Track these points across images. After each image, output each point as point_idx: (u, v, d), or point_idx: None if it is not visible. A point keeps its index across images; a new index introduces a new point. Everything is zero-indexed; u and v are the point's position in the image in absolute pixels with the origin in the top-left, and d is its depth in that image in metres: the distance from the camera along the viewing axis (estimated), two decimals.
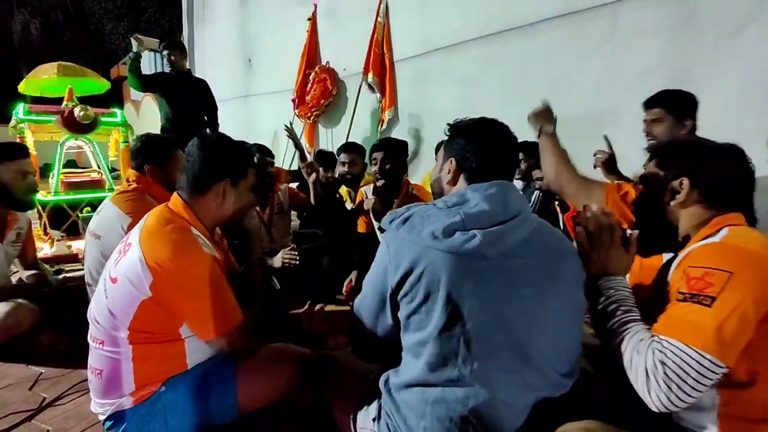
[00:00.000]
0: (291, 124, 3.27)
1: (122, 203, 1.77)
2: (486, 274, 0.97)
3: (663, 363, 0.84)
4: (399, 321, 1.06)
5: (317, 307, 2.54)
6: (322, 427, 1.31)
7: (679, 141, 1.13)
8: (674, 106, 1.99)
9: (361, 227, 2.83)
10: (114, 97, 7.95)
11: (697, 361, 0.82)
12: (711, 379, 0.83)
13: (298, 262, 2.31)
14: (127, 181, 1.88)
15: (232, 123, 6.62)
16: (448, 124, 1.19)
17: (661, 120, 2.01)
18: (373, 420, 1.14)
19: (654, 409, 0.86)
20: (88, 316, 1.31)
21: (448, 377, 0.98)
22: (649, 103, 2.06)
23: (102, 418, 1.27)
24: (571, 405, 1.02)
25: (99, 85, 4.55)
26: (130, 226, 1.67)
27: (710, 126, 2.20)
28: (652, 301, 1.05)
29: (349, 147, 3.09)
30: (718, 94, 2.47)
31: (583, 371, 1.24)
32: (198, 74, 7.35)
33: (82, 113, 3.49)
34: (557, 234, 1.11)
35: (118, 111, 4.14)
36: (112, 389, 1.24)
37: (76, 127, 3.57)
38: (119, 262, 1.24)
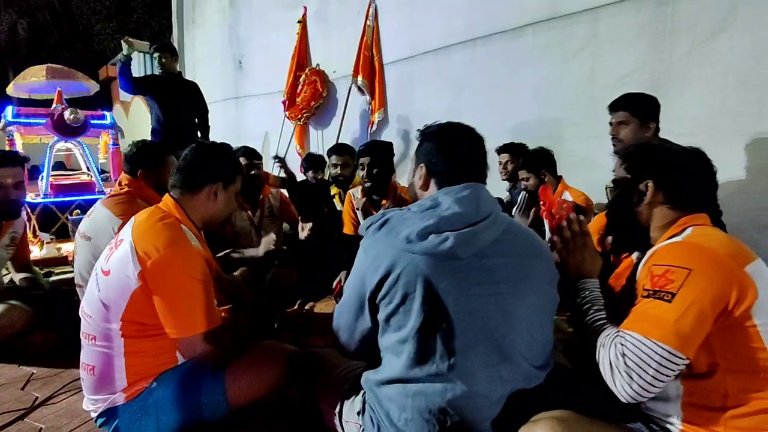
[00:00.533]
0: (278, 157, 3.33)
1: (113, 206, 1.81)
2: (460, 274, 1.02)
3: (624, 354, 0.90)
4: (377, 323, 1.11)
5: (307, 306, 2.58)
6: (310, 423, 1.35)
7: (644, 145, 1.19)
8: (638, 109, 2.05)
9: (348, 229, 2.87)
10: (103, 99, 7.91)
11: (656, 352, 0.87)
12: (672, 370, 0.88)
13: (277, 248, 2.36)
14: (119, 184, 1.91)
15: (222, 125, 6.62)
16: (418, 130, 1.24)
17: (627, 123, 2.06)
18: (358, 413, 1.19)
19: (622, 399, 0.92)
20: (80, 313, 1.35)
21: (428, 373, 1.03)
22: (614, 106, 2.11)
23: (94, 415, 1.31)
24: (545, 396, 1.07)
25: (88, 86, 4.54)
26: (121, 228, 1.71)
27: (687, 129, 2.30)
28: (625, 299, 1.11)
29: (339, 149, 3.14)
30: (694, 97, 2.56)
31: (561, 365, 1.31)
32: (188, 76, 7.34)
33: (71, 116, 3.50)
34: (528, 233, 1.17)
35: (107, 113, 4.15)
36: (104, 385, 1.28)
37: (66, 130, 3.58)
38: (111, 256, 1.29)
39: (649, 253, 1.04)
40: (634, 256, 1.29)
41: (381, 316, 1.09)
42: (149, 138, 4.20)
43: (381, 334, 1.12)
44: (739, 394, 0.89)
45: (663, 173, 1.10)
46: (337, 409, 1.25)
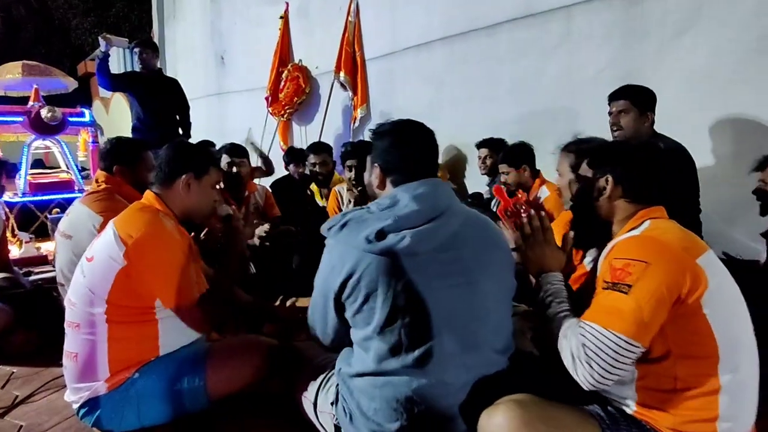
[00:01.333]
0: (253, 143, 3.33)
1: (92, 203, 1.81)
2: (420, 270, 1.07)
3: (584, 345, 0.95)
4: (346, 320, 1.16)
5: (289, 301, 2.61)
6: (289, 415, 1.39)
7: (604, 142, 1.25)
8: (638, 99, 2.15)
9: None
10: (82, 95, 7.77)
11: (615, 342, 0.92)
12: (629, 358, 0.93)
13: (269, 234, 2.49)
14: (96, 182, 1.91)
15: (205, 121, 6.56)
16: (370, 130, 1.27)
17: (627, 111, 2.16)
18: (332, 404, 1.23)
19: (584, 387, 0.97)
20: (65, 303, 1.40)
21: (394, 366, 1.08)
22: (615, 96, 2.21)
23: (76, 406, 1.33)
24: (509, 381, 1.13)
25: (65, 84, 4.48)
26: (101, 225, 1.72)
27: (658, 123, 2.37)
28: (587, 292, 1.16)
29: (317, 147, 3.17)
30: (664, 93, 2.62)
31: (527, 353, 1.37)
32: (169, 72, 7.26)
33: (49, 114, 3.45)
34: (485, 223, 1.21)
35: (86, 110, 4.10)
36: (87, 373, 1.31)
37: (43, 128, 3.53)
38: (95, 244, 1.37)
39: (609, 246, 1.09)
40: (586, 262, 1.35)
41: (348, 314, 1.14)
42: (130, 135, 4.18)
43: (352, 330, 1.16)
44: (689, 377, 0.95)
45: (621, 168, 1.14)
46: (313, 400, 1.30)
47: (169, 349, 1.39)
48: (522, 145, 2.78)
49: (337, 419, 1.21)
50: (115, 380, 1.31)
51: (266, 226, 2.62)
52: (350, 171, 2.71)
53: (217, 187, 1.59)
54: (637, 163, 1.15)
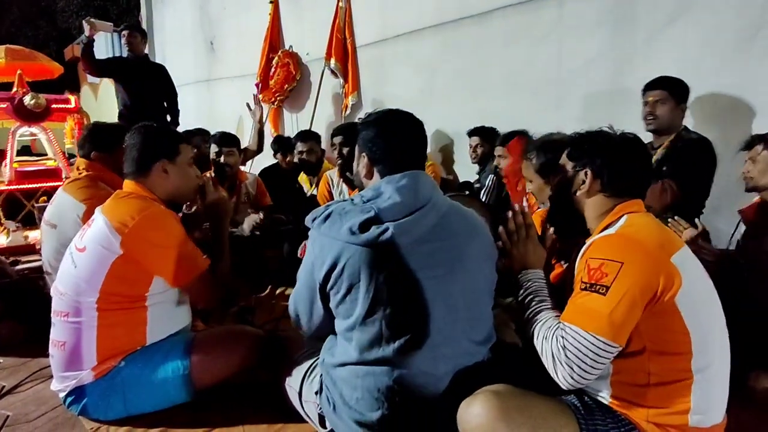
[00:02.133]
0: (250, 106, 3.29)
1: (75, 191, 1.79)
2: (401, 262, 1.08)
3: (564, 347, 0.97)
4: (331, 311, 1.17)
5: (278, 290, 2.63)
6: (276, 403, 1.40)
7: (584, 134, 1.23)
8: (676, 90, 2.18)
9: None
10: (70, 80, 7.62)
11: (593, 344, 0.94)
12: (607, 358, 0.95)
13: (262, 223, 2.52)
14: (77, 169, 1.89)
15: (194, 108, 6.49)
16: (359, 119, 1.27)
17: (664, 101, 2.19)
18: (316, 393, 1.25)
19: (563, 387, 0.99)
20: (52, 292, 1.40)
21: (375, 357, 1.09)
22: (652, 85, 2.23)
23: (62, 395, 1.35)
24: (489, 372, 1.15)
25: (50, 70, 4.39)
26: (86, 214, 1.72)
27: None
28: (567, 287, 1.16)
29: (304, 135, 3.15)
30: None
31: (509, 344, 1.39)
32: (158, 57, 7.14)
33: (32, 101, 3.39)
34: (466, 215, 1.22)
35: (71, 96, 4.03)
36: (74, 361, 1.33)
37: (27, 115, 3.47)
38: (85, 234, 1.36)
39: (586, 245, 1.09)
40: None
41: (332, 304, 1.15)
42: (118, 122, 4.13)
43: (336, 320, 1.18)
44: (662, 372, 0.97)
45: (601, 162, 1.13)
46: (298, 390, 1.32)
47: (157, 337, 1.41)
48: (521, 132, 2.71)
49: (321, 408, 1.23)
50: (102, 369, 1.33)
51: (260, 215, 2.63)
52: (334, 148, 2.72)
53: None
54: (617, 156, 1.13)
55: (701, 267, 1.06)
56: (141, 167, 1.46)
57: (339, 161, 2.70)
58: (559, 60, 3.06)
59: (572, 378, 0.96)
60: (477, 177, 3.40)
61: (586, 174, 1.15)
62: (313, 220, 1.16)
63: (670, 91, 2.18)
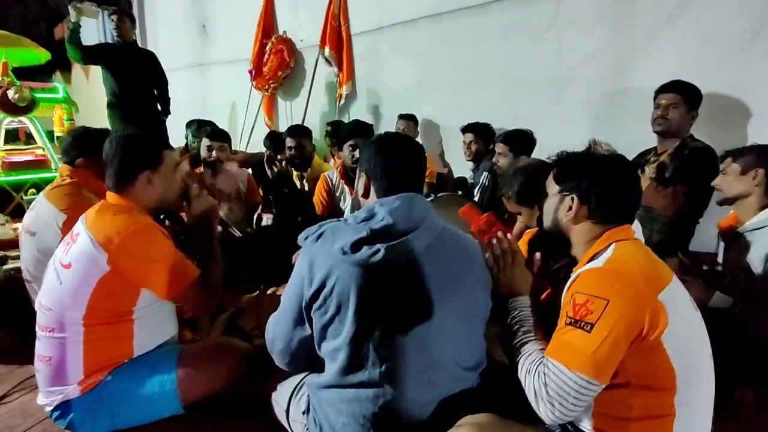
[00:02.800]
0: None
1: (56, 199, 1.75)
2: (391, 284, 1.07)
3: (546, 384, 0.96)
4: (313, 336, 1.15)
5: (269, 291, 2.61)
6: (263, 417, 1.40)
7: (570, 155, 1.18)
8: (689, 95, 2.17)
9: (318, 210, 2.87)
10: (61, 61, 7.40)
11: (576, 382, 0.93)
12: (590, 396, 0.94)
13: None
14: (60, 176, 1.84)
15: (187, 93, 6.37)
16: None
17: (677, 105, 2.17)
18: (303, 413, 1.25)
19: (547, 422, 0.99)
20: (36, 306, 1.38)
21: (360, 380, 1.09)
22: (666, 89, 2.22)
23: (49, 409, 1.34)
24: (476, 398, 1.15)
25: (38, 55, 4.27)
26: (66, 223, 1.69)
27: (646, 113, 2.33)
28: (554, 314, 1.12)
29: (294, 131, 3.09)
30: (653, 81, 2.57)
31: (498, 362, 1.37)
32: (149, 40, 6.98)
33: (16, 95, 3.30)
34: (460, 238, 1.20)
35: (59, 85, 3.93)
36: (60, 377, 1.32)
37: (11, 108, 3.38)
38: (70, 250, 1.33)
39: (572, 276, 1.07)
40: None
41: (317, 326, 1.13)
42: (107, 111, 4.04)
43: (318, 343, 1.16)
44: (644, 406, 0.97)
45: (587, 188, 1.10)
46: (285, 408, 1.31)
47: (144, 349, 1.40)
48: (526, 133, 2.60)
49: (308, 429, 1.23)
50: (88, 383, 1.32)
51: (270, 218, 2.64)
52: (354, 150, 2.67)
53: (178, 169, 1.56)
54: (605, 182, 1.09)
55: (689, 300, 1.04)
56: (124, 179, 1.42)
57: (353, 164, 2.69)
58: (558, 56, 3.00)
59: (554, 414, 0.96)
60: (471, 173, 3.36)
61: (572, 200, 1.12)
62: (306, 238, 1.16)
63: (683, 95, 2.16)
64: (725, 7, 2.33)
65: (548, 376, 0.96)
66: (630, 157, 2.42)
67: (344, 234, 1.10)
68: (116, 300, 1.32)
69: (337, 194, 2.82)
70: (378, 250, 1.05)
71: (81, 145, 1.83)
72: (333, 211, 2.83)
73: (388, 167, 1.18)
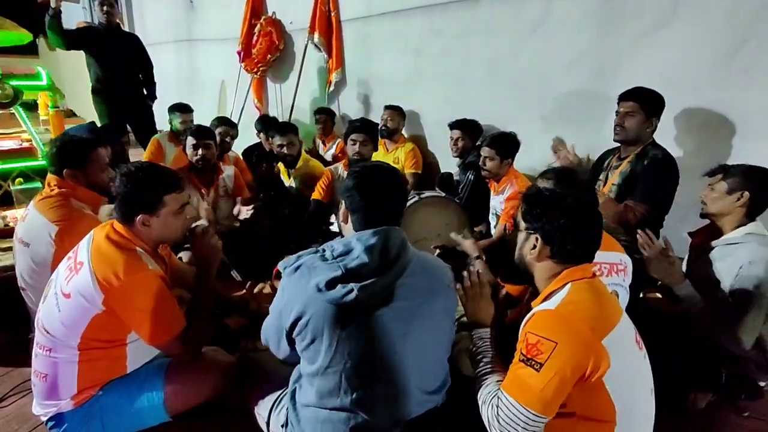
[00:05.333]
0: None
1: (47, 211, 1.77)
2: (362, 321, 1.14)
3: (498, 416, 1.06)
4: (296, 349, 1.24)
5: (257, 288, 2.68)
6: (245, 425, 1.49)
7: (539, 195, 1.24)
8: (648, 103, 2.18)
9: (316, 194, 2.93)
10: (43, 29, 7.16)
11: (524, 415, 1.03)
12: (536, 428, 1.04)
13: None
14: (48, 185, 1.86)
15: (175, 69, 6.27)
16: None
17: (634, 114, 2.19)
18: (282, 426, 1.34)
19: None
20: (35, 325, 1.44)
21: (333, 405, 1.18)
22: (625, 96, 2.23)
23: (44, 419, 1.43)
24: (441, 418, 1.25)
25: (19, 36, 4.15)
26: (59, 234, 1.73)
27: None
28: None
29: (282, 128, 3.09)
30: (636, 85, 2.61)
31: (466, 378, 1.45)
32: (135, 14, 6.79)
33: None
34: (434, 272, 1.27)
35: (42, 71, 3.85)
36: (55, 392, 1.40)
37: None
38: (71, 279, 1.37)
39: (530, 314, 1.15)
40: None
41: (297, 347, 1.22)
42: (92, 97, 3.98)
43: (302, 360, 1.25)
44: None
45: (551, 229, 1.16)
46: (266, 419, 1.41)
47: (136, 366, 1.48)
48: (512, 137, 2.60)
49: None
50: (80, 398, 1.40)
51: (248, 211, 2.69)
52: (354, 144, 2.76)
53: (187, 208, 1.53)
54: (568, 226, 1.15)
55: (633, 339, 1.13)
56: (124, 217, 1.44)
57: (356, 158, 2.76)
58: (543, 57, 3.01)
59: None
60: (458, 169, 3.40)
61: (536, 239, 1.19)
62: (285, 268, 1.21)
63: (641, 103, 2.18)
64: (710, 18, 2.34)
65: (500, 408, 1.07)
66: None
67: (320, 270, 1.15)
68: (110, 332, 1.39)
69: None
70: (351, 290, 1.11)
71: (65, 156, 1.83)
72: (332, 200, 2.92)
73: (366, 204, 1.22)
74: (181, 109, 3.54)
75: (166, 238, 1.53)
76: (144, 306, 1.35)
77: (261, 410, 1.44)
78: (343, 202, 1.27)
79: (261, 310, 2.30)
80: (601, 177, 2.42)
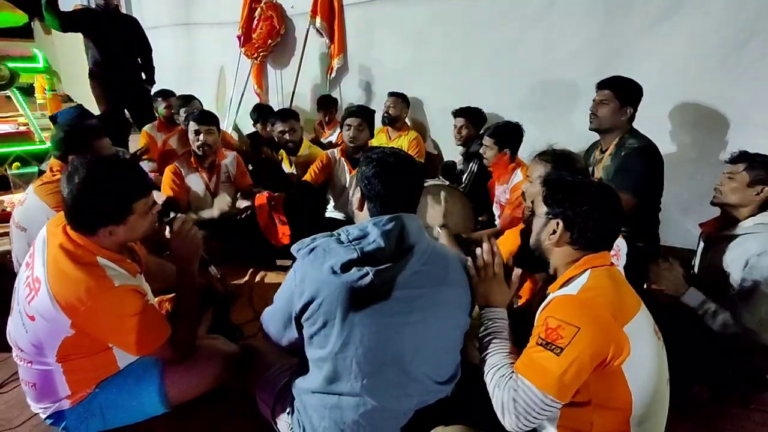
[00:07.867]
0: None
1: (47, 196, 1.75)
2: (376, 306, 1.12)
3: (515, 400, 1.04)
4: (303, 336, 1.22)
5: (258, 277, 2.67)
6: (248, 413, 1.48)
7: (561, 180, 1.21)
8: (622, 92, 2.14)
9: (307, 177, 2.91)
10: (39, 11, 7.04)
11: (542, 400, 1.02)
12: (550, 411, 1.03)
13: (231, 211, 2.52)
14: (51, 170, 1.83)
15: (173, 53, 6.16)
16: (364, 153, 1.26)
17: (607, 102, 2.16)
18: (288, 413, 1.33)
19: (509, 429, 1.07)
20: (8, 339, 1.34)
21: (342, 390, 1.17)
22: (601, 85, 2.21)
23: (43, 416, 1.39)
24: (450, 406, 1.24)
25: (15, 17, 4.07)
26: None
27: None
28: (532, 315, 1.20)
29: (284, 115, 3.05)
30: (641, 78, 2.58)
31: (475, 368, 1.44)
32: None
33: None
34: (449, 262, 1.25)
35: (39, 54, 3.77)
36: (47, 396, 1.35)
37: None
38: (32, 301, 1.24)
39: (547, 299, 1.14)
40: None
41: (305, 333, 1.20)
42: (89, 81, 3.91)
43: (307, 347, 1.23)
44: (603, 423, 1.07)
45: (574, 215, 1.15)
46: (271, 407, 1.40)
47: (129, 362, 1.40)
48: (515, 127, 2.57)
49: (292, 429, 1.31)
50: (77, 397, 1.35)
51: (228, 201, 2.67)
52: (348, 130, 2.75)
53: (154, 210, 1.37)
54: (590, 212, 1.14)
55: (652, 328, 1.11)
56: (84, 228, 1.25)
57: (351, 144, 2.77)
58: (546, 46, 2.97)
59: (518, 426, 1.05)
60: (461, 158, 3.36)
61: (557, 224, 1.17)
62: (299, 250, 1.19)
63: (615, 92, 2.15)
64: (716, 10, 2.31)
65: (517, 392, 1.05)
66: None
67: (335, 253, 1.12)
68: (87, 347, 1.28)
69: (337, 170, 2.90)
70: (367, 273, 1.09)
71: (69, 143, 1.80)
72: (325, 182, 2.92)
73: (384, 192, 1.19)
74: (163, 95, 3.55)
75: (132, 239, 1.39)
76: (117, 326, 1.25)
77: (266, 398, 1.42)
78: (359, 190, 1.24)
79: (228, 289, 2.25)
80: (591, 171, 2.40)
